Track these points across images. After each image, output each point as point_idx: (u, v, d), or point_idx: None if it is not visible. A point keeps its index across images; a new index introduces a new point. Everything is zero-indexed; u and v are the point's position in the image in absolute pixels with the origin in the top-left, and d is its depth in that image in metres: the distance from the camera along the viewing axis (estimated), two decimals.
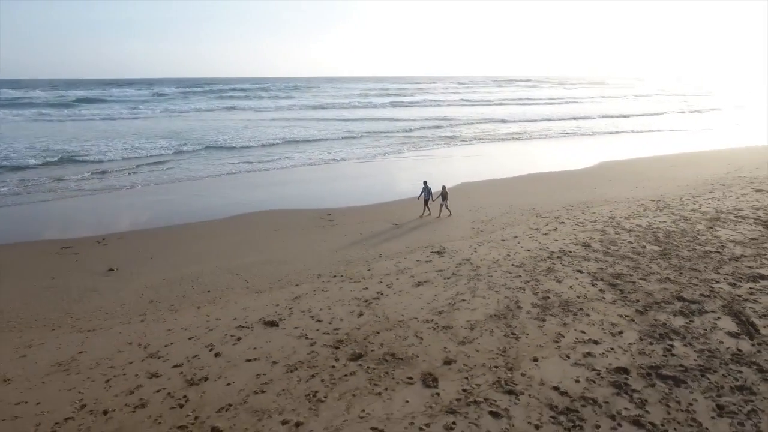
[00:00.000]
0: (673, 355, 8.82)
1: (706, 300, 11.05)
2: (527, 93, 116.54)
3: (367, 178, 29.04)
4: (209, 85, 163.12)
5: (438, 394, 7.94)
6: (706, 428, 6.92)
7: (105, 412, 7.75)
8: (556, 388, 7.93)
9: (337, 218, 19.75)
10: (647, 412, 7.30)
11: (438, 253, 15.15)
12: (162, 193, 24.69)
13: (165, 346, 9.85)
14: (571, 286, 12.06)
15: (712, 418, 7.14)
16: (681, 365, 8.46)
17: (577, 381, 8.13)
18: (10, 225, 19.35)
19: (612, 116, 61.36)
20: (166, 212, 21.04)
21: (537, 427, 7.05)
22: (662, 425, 7.00)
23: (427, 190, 19.88)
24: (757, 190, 22.44)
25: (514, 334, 9.77)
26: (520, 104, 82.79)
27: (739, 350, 8.89)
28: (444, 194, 19.85)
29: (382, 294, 12.05)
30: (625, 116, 61.39)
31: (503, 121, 56.21)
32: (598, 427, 7.00)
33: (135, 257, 15.51)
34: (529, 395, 7.79)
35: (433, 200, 19.98)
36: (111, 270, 14.45)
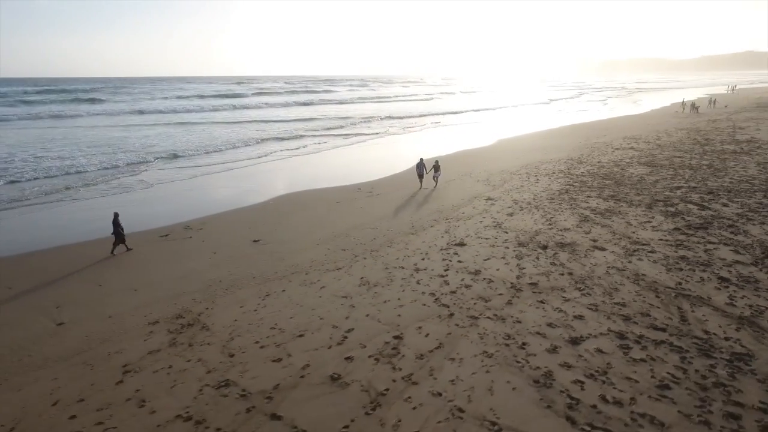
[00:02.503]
0: (687, 220, 16.29)
1: (668, 199, 19.11)
2: (371, 92, 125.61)
3: (358, 160, 32.68)
4: None
5: (612, 251, 13.80)
6: (735, 240, 14.26)
7: (445, 300, 11.59)
8: (660, 239, 14.53)
9: (372, 191, 23.59)
10: (710, 239, 14.39)
11: (488, 199, 20.73)
12: (187, 188, 24.98)
13: (414, 264, 13.56)
14: (597, 204, 19.01)
15: (733, 236, 14.57)
16: (697, 223, 15.93)
17: (665, 235, 14.89)
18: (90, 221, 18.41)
19: (487, 109, 73.36)
20: (209, 201, 22.07)
21: (675, 252, 13.49)
22: (719, 240, 14.14)
23: (421, 165, 24.64)
24: (615, 149, 33.29)
25: (606, 225, 16.16)
26: (382, 102, 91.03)
27: (711, 215, 16.82)
28: (436, 167, 25.08)
29: (496, 223, 17.21)
30: (488, 109, 74.01)
31: (390, 117, 62.92)
32: (699, 247, 13.77)
33: (255, 231, 17.43)
34: (653, 244, 14.21)
35: (426, 172, 24.89)
36: (256, 241, 16.41)
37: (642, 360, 8.42)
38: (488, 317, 10.28)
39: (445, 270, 13.04)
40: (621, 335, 9.26)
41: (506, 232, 16.01)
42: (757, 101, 73.94)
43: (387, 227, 17.40)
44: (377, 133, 47.70)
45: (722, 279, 11.58)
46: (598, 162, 28.20)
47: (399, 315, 10.61)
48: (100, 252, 15.55)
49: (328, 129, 50.10)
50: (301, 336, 9.91)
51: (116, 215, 15.29)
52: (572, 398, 7.51)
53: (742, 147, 31.71)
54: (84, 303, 12.05)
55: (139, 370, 8.95)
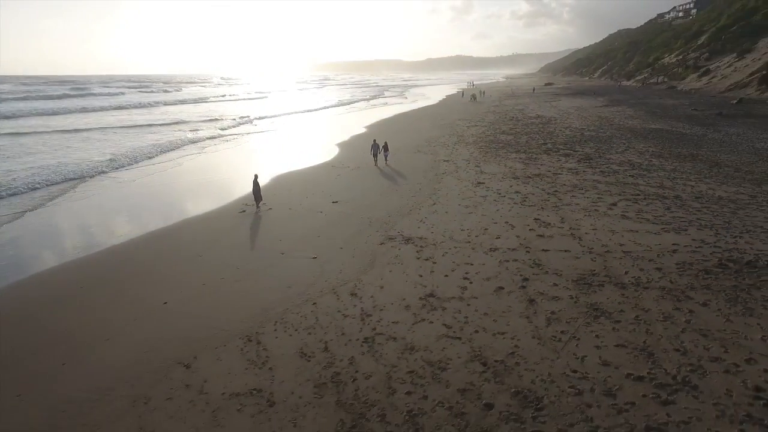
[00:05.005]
0: (578, 157, 26.84)
1: (551, 149, 29.82)
2: (180, 94, 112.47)
3: (292, 149, 35.08)
4: None
5: (566, 175, 22.93)
6: (612, 161, 25.18)
7: (529, 203, 18.77)
8: (579, 166, 24.44)
9: (348, 166, 28.28)
10: (600, 162, 24.93)
11: (446, 161, 28.08)
12: (169, 181, 24.58)
13: (474, 194, 20.06)
14: (517, 156, 28.39)
15: (609, 160, 25.52)
16: (586, 157, 26.58)
17: (578, 164, 24.91)
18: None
19: (333, 106, 76.67)
20: (218, 189, 23.54)
21: (594, 170, 23.43)
22: (606, 163, 24.80)
23: (376, 147, 30.18)
24: (469, 126, 44.48)
25: (542, 164, 25.42)
26: (224, 102, 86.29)
27: (586, 153, 27.87)
28: (386, 147, 30.90)
29: (479, 171, 24.74)
30: (334, 106, 77.86)
31: (265, 116, 61.68)
32: (603, 167, 24.05)
33: (316, 198, 20.93)
34: (579, 169, 23.97)
35: (380, 153, 30.53)
36: (335, 202, 20.20)
37: (650, 204, 17.32)
38: (566, 204, 17.85)
39: (499, 194, 19.99)
40: (628, 199, 18.05)
41: (494, 174, 23.73)
42: (501, 92, 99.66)
43: (416, 182, 23.10)
44: (270, 130, 49.08)
45: (632, 175, 21.78)
46: (473, 135, 38.37)
47: (518, 213, 17.25)
48: (223, 221, 17.21)
49: (224, 129, 48.67)
50: (486, 229, 15.68)
51: (256, 177, 18.55)
52: (650, 221, 15.71)
53: (541, 120, 46.66)
54: (294, 247, 14.83)
55: (432, 256, 13.51)
